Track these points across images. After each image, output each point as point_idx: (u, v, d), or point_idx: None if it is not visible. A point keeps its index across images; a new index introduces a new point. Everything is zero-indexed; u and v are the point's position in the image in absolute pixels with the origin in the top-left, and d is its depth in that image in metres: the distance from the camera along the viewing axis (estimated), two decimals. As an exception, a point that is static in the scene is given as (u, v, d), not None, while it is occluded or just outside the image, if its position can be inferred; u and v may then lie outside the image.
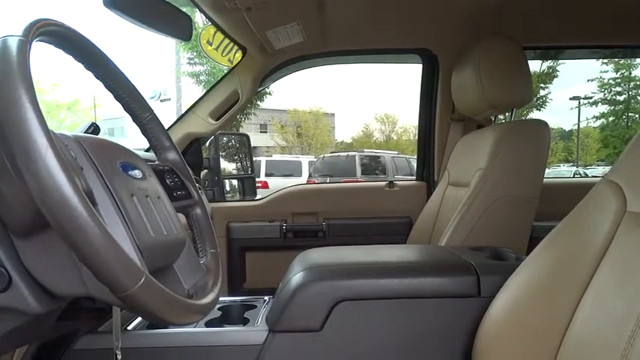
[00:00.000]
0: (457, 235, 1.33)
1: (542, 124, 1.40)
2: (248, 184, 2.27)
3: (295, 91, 42.06)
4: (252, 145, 2.35)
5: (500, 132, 1.40)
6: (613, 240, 0.71)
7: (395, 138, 30.56)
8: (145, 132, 0.77)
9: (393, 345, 0.90)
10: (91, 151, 0.56)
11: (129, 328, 0.99)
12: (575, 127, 24.63)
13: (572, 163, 24.90)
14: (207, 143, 2.01)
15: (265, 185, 10.13)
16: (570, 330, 0.72)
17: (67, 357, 0.91)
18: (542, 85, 17.66)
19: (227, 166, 2.22)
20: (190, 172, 0.82)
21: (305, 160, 12.71)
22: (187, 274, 0.67)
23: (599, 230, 0.73)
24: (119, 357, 0.74)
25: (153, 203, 0.62)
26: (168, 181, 0.75)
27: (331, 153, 13.49)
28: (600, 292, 0.70)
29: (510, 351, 0.78)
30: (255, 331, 0.94)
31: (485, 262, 0.95)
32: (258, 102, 13.75)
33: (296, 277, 0.94)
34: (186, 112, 1.84)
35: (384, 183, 2.01)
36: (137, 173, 0.63)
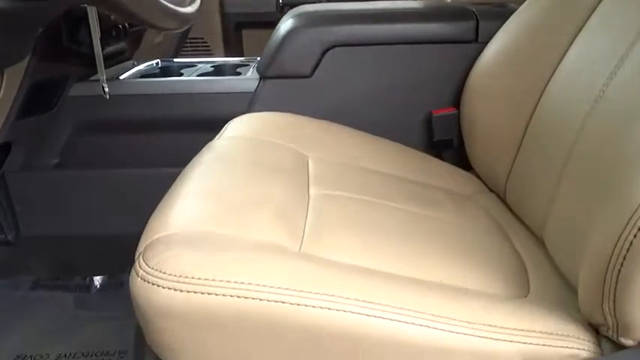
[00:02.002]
0: None
1: None
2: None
3: None
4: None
5: None
6: None
7: None
8: None
9: (384, 90, 0.90)
10: None
11: (121, 77, 1.00)
12: None
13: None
14: None
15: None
16: (560, 67, 0.70)
17: (61, 103, 0.93)
18: None
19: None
20: None
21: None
22: None
23: None
24: (106, 90, 0.74)
25: None
26: None
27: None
28: (598, 25, 0.65)
29: (498, 89, 0.77)
30: (246, 80, 0.94)
31: (486, 8, 0.90)
32: None
33: (286, 24, 0.89)
34: None
35: None
36: None
